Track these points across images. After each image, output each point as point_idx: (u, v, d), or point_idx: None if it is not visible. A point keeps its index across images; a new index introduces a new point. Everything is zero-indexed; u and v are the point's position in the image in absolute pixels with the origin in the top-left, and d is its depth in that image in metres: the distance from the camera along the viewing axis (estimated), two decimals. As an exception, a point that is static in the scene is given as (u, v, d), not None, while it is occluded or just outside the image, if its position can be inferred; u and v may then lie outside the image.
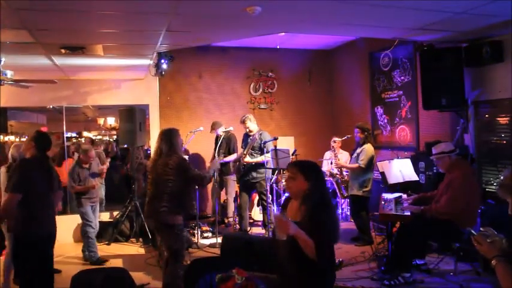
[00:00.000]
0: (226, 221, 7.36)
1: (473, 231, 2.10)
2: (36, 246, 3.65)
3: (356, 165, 5.93)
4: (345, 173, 6.69)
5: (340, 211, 7.24)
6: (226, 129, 6.70)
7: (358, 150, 6.04)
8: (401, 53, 6.66)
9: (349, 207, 7.17)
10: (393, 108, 6.99)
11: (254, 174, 6.32)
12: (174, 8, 3.69)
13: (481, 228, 2.22)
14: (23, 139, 8.60)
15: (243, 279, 2.70)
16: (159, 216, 3.97)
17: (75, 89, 7.18)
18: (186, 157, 5.79)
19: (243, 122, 6.43)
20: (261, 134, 6.36)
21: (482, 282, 4.39)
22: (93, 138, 6.79)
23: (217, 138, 7.06)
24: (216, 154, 6.70)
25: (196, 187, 6.24)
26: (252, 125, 6.43)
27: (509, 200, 2.10)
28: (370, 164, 5.91)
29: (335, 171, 6.74)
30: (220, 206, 7.16)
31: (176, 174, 3.95)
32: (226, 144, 6.89)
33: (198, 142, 7.29)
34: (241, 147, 6.67)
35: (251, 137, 6.37)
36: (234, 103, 8.28)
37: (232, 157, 6.82)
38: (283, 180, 6.69)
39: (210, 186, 7.34)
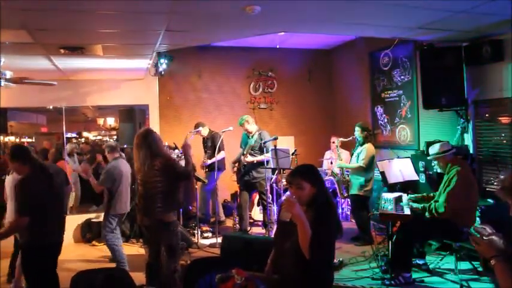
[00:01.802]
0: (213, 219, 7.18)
1: (471, 231, 2.10)
2: (42, 255, 3.66)
3: (357, 165, 5.92)
4: (345, 173, 6.67)
5: (340, 211, 7.22)
6: (221, 131, 6.64)
7: (359, 150, 6.03)
8: (401, 53, 6.65)
9: (349, 207, 7.16)
10: (393, 107, 6.98)
11: (254, 173, 6.31)
12: (173, 7, 3.68)
13: (479, 225, 2.22)
14: (24, 140, 8.60)
15: (243, 279, 2.69)
16: (155, 215, 3.98)
17: (75, 90, 7.17)
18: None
19: (242, 125, 6.40)
20: (260, 134, 6.35)
21: (482, 281, 4.38)
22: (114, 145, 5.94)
23: (203, 139, 7.09)
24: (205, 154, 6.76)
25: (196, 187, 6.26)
26: (251, 127, 6.41)
27: (510, 202, 2.09)
28: (371, 164, 5.90)
29: (336, 170, 6.73)
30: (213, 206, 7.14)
31: (163, 175, 3.94)
32: (211, 144, 6.89)
33: (199, 141, 7.28)
34: (241, 146, 6.65)
35: (250, 137, 6.35)
36: (233, 103, 8.27)
37: (220, 156, 6.80)
38: (284, 180, 6.68)
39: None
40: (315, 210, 2.67)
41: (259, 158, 6.25)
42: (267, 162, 6.07)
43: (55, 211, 3.73)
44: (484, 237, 2.09)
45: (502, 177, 2.12)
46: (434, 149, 4.61)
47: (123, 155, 5.80)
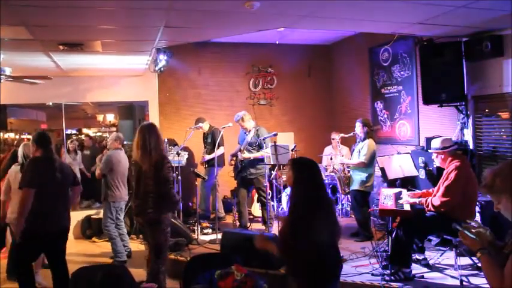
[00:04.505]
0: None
1: (458, 227, 2.15)
2: (42, 241, 3.75)
3: (359, 160, 5.90)
4: (346, 169, 6.66)
5: (340, 207, 7.23)
6: (221, 127, 6.63)
7: (360, 146, 6.01)
8: (401, 48, 6.64)
9: (349, 203, 7.16)
10: (393, 103, 6.97)
11: (251, 170, 6.28)
12: (172, 4, 3.67)
13: (468, 221, 2.26)
14: (23, 136, 8.60)
15: (242, 276, 2.70)
16: (147, 216, 3.97)
17: (75, 86, 7.16)
18: (186, 153, 5.82)
19: (238, 121, 6.36)
20: (257, 130, 6.32)
21: (482, 276, 4.38)
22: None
23: (204, 134, 7.09)
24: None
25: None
26: (248, 123, 6.36)
27: (493, 199, 2.10)
28: (373, 159, 5.89)
29: (338, 167, 6.72)
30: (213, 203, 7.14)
31: (153, 173, 3.92)
32: (211, 140, 6.90)
33: (199, 137, 7.29)
34: (238, 143, 6.63)
35: (247, 134, 6.33)
36: (233, 99, 8.25)
37: (219, 151, 6.80)
38: (284, 176, 6.68)
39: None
40: (292, 205, 2.69)
41: (256, 154, 6.23)
42: (263, 159, 6.06)
43: (58, 199, 3.89)
44: (472, 230, 2.13)
45: (484, 174, 2.12)
46: (435, 144, 4.59)
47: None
